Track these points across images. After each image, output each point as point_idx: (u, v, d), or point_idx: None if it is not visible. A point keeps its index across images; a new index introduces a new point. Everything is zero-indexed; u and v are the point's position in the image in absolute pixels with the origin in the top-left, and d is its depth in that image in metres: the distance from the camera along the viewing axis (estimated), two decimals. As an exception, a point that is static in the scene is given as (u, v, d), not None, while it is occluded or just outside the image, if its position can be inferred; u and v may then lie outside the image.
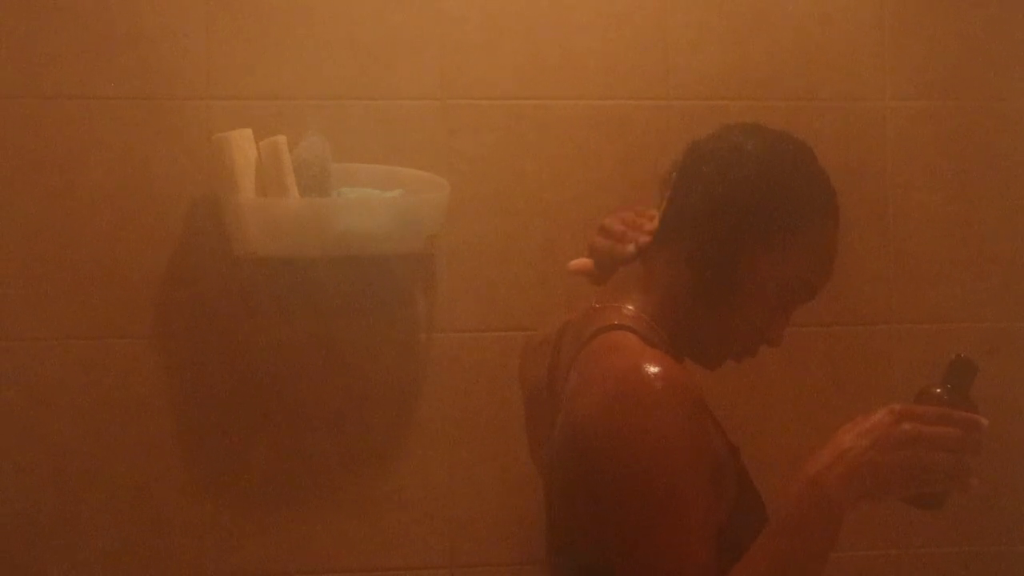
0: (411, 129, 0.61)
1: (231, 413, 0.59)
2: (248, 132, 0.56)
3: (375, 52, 0.60)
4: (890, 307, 0.62)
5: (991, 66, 0.65)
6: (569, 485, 0.36)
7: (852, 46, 0.63)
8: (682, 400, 0.33)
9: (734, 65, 0.61)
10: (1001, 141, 0.65)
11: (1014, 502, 0.61)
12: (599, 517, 0.34)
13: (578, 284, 0.42)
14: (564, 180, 0.59)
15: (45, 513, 0.57)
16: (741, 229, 0.37)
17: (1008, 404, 0.64)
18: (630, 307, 0.38)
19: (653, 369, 0.33)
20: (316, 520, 0.60)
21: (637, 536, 0.32)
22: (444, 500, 0.60)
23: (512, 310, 0.59)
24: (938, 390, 0.32)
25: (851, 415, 0.32)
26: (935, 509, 0.32)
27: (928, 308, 0.64)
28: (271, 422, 0.59)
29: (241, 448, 0.59)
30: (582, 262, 0.43)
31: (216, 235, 0.58)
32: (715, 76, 0.61)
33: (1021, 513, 0.61)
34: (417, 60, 0.61)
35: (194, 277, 0.59)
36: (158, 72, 0.58)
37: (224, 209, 0.56)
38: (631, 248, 0.39)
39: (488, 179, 0.60)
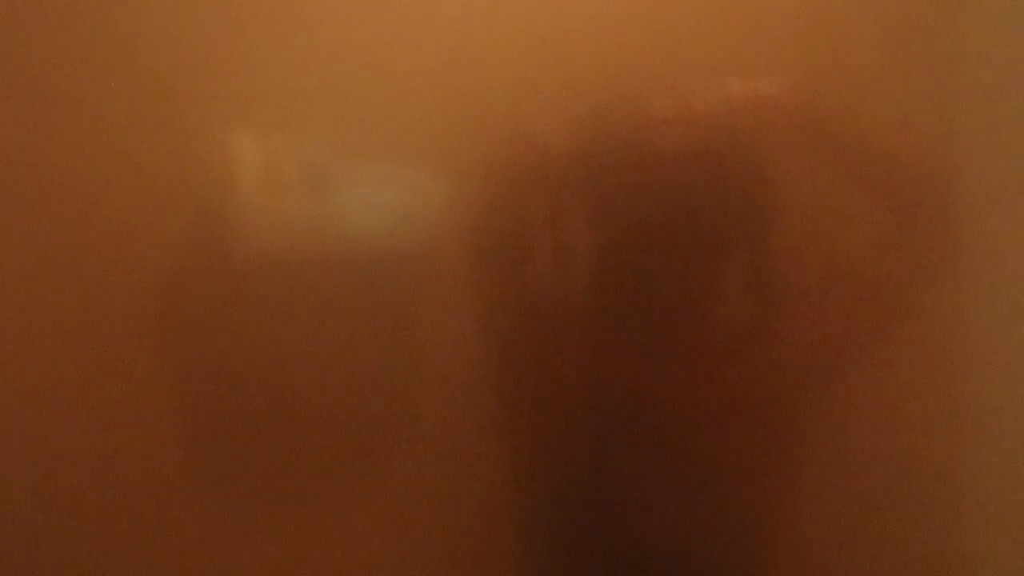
0: (411, 129, 0.61)
1: (231, 413, 0.59)
2: (248, 132, 0.56)
3: (375, 52, 0.60)
4: (890, 307, 0.62)
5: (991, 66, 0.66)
6: None
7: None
8: None
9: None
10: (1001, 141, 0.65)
11: (1015, 502, 0.61)
12: None
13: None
14: (564, 180, 0.59)
15: (45, 513, 0.58)
16: None
17: (1008, 405, 0.64)
18: None
19: None
20: (316, 520, 0.60)
21: None
22: (444, 500, 0.61)
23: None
24: None
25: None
26: None
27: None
28: (271, 422, 0.60)
29: (241, 448, 0.60)
30: None
31: (216, 235, 0.58)
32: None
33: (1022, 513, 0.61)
34: (417, 60, 0.61)
35: (194, 277, 0.59)
36: (158, 72, 0.58)
37: (224, 209, 0.56)
38: None
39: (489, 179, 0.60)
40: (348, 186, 0.57)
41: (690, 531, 0.47)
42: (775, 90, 0.45)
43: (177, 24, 0.59)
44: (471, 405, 0.62)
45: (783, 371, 0.57)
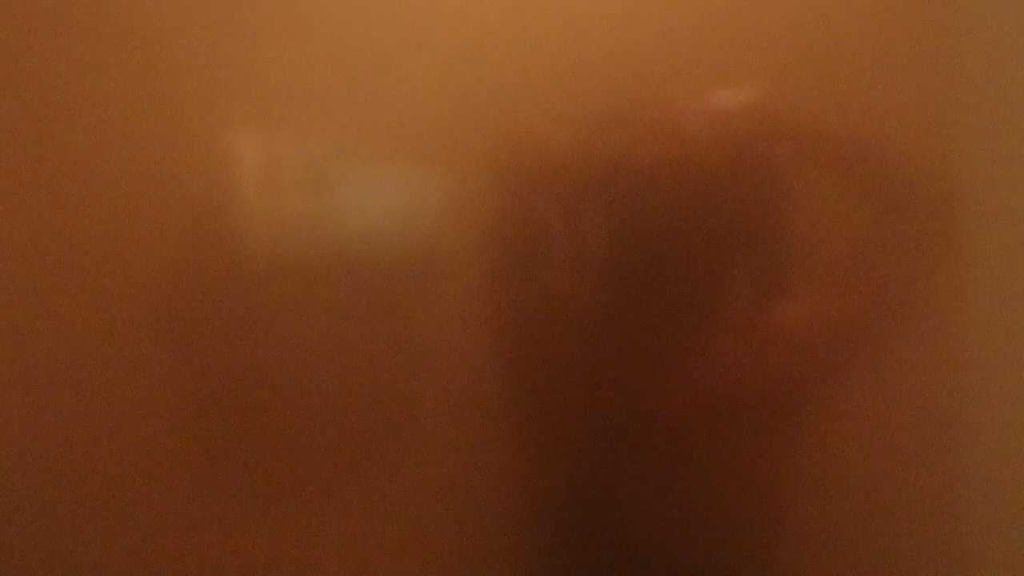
0: (411, 129, 0.61)
1: (231, 413, 0.59)
2: (248, 132, 0.56)
3: (375, 52, 0.60)
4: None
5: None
6: None
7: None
8: None
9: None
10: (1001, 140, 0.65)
11: (1015, 502, 0.61)
12: None
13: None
14: (564, 180, 0.59)
15: (44, 513, 0.58)
16: None
17: (1010, 404, 0.64)
18: None
19: None
20: (317, 521, 0.60)
21: None
22: (447, 502, 0.61)
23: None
24: None
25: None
26: None
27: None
28: (272, 422, 0.60)
29: (241, 448, 0.59)
30: None
31: (216, 235, 0.58)
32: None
33: (1022, 513, 0.61)
34: (423, 61, 0.61)
35: (195, 277, 0.59)
36: (158, 72, 0.58)
37: (224, 209, 0.56)
38: None
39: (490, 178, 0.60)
40: (352, 187, 0.56)
41: (697, 533, 0.47)
42: (781, 93, 0.45)
43: (177, 24, 0.59)
44: (476, 407, 0.62)
45: (788, 373, 0.57)
